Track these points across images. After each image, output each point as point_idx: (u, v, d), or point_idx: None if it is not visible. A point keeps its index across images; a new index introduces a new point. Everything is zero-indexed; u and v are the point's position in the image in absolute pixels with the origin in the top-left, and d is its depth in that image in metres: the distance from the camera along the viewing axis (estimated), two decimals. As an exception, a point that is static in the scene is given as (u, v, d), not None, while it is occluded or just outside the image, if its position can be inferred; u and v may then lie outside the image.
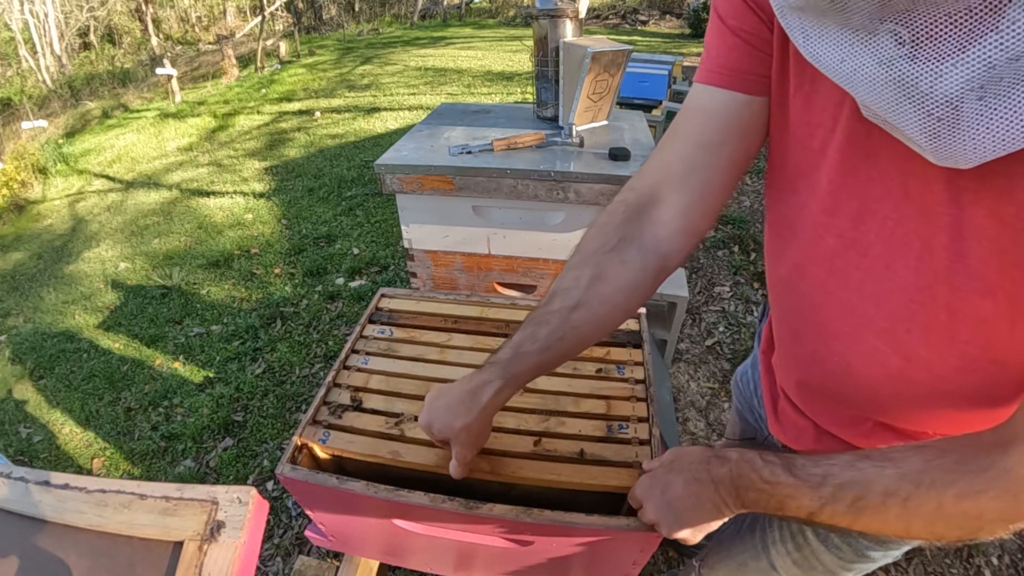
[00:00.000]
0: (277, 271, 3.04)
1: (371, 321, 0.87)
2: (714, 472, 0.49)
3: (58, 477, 0.58)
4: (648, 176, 0.57)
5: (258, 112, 6.68)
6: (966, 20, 0.28)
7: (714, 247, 2.90)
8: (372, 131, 5.40)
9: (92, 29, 15.15)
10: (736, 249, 2.88)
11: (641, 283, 0.55)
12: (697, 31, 10.24)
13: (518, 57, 8.57)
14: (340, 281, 2.86)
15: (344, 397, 0.72)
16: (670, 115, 3.54)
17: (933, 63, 0.30)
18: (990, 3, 0.27)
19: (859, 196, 0.45)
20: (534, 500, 0.58)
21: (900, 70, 0.31)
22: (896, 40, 0.31)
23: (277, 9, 14.06)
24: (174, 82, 8.02)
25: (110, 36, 15.87)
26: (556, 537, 0.60)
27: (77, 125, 8.16)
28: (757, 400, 0.83)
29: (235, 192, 4.29)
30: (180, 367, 2.38)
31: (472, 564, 0.76)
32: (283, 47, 10.60)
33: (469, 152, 1.36)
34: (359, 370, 0.77)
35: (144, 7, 12.94)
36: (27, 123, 7.45)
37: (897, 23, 0.30)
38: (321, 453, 0.67)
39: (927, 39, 0.30)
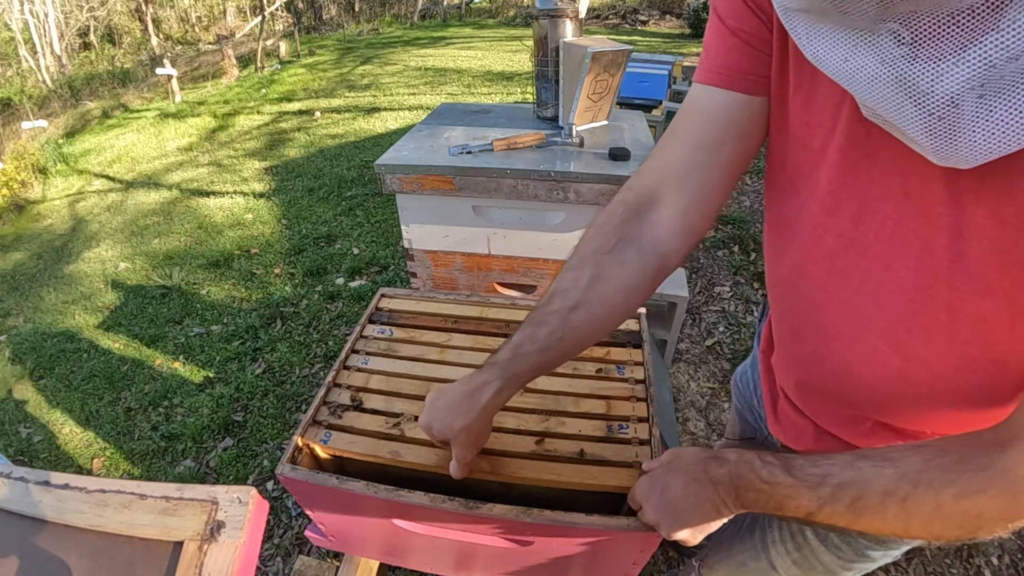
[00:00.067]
0: (277, 271, 3.04)
1: (371, 321, 0.87)
2: (713, 473, 0.49)
3: (58, 477, 0.58)
4: (647, 176, 0.57)
5: (258, 112, 6.68)
6: (967, 20, 0.28)
7: (714, 247, 2.90)
8: (372, 131, 5.40)
9: (92, 29, 15.15)
10: (736, 249, 2.88)
11: (640, 283, 0.55)
12: (697, 31, 10.24)
13: (518, 57, 8.57)
14: (340, 281, 2.86)
15: (344, 397, 0.72)
16: (670, 115, 3.54)
17: (933, 63, 0.30)
18: (991, 3, 0.27)
19: (859, 196, 0.45)
20: (534, 500, 0.58)
21: (901, 69, 0.31)
22: (896, 40, 0.31)
23: (277, 9, 14.07)
24: (174, 82, 8.02)
25: (110, 36, 15.88)
26: (556, 537, 0.60)
27: (77, 125, 8.16)
28: (757, 400, 0.83)
29: (235, 192, 4.29)
30: (180, 367, 2.38)
31: (472, 564, 0.76)
32: (283, 47, 10.60)
33: (469, 152, 1.36)
34: (359, 370, 0.77)
35: (144, 7, 12.94)
36: (27, 123, 7.45)
37: (898, 23, 0.30)
38: (321, 453, 0.67)
39: (928, 39, 0.30)
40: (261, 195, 4.15)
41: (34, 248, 4.19)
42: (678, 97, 4.13)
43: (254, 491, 0.55)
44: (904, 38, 0.30)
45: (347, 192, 3.95)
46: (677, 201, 0.54)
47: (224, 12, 17.49)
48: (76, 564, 0.53)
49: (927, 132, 0.33)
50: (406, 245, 1.48)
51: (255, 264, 3.15)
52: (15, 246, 4.34)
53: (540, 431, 0.67)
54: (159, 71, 8.01)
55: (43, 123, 7.77)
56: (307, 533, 0.79)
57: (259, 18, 10.98)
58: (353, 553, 0.85)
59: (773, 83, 0.50)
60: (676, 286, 1.69)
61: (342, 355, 0.79)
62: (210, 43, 14.19)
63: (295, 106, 6.76)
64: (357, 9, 17.45)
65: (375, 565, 0.87)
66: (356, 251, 3.13)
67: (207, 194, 4.35)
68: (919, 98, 0.32)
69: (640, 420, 0.69)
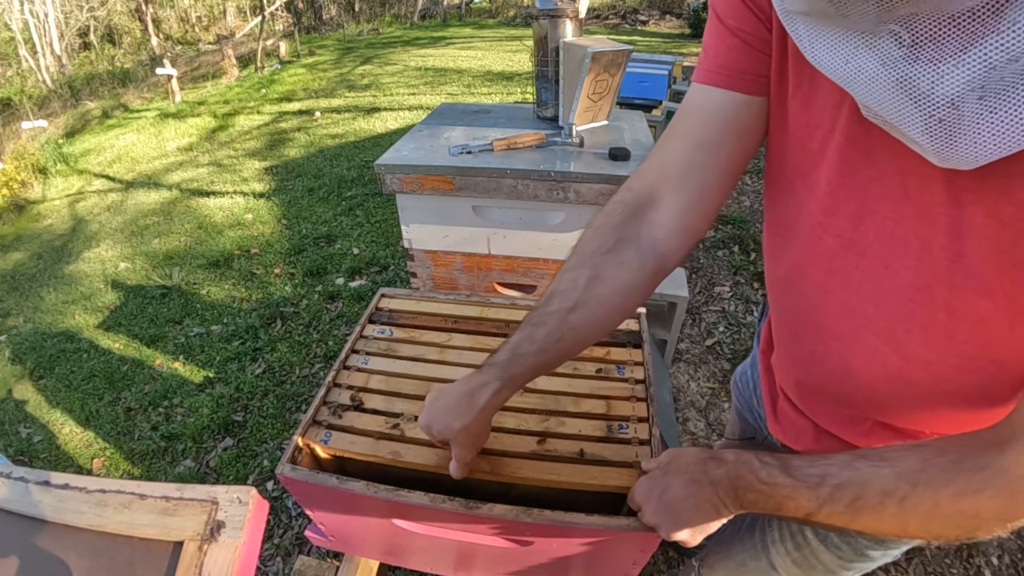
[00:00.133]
0: (277, 271, 3.04)
1: (371, 321, 0.87)
2: (712, 473, 0.49)
3: (58, 477, 0.58)
4: (646, 176, 0.57)
5: (258, 112, 6.68)
6: (967, 22, 0.28)
7: (714, 247, 2.90)
8: (372, 131, 5.40)
9: (92, 29, 15.15)
10: (736, 249, 2.88)
11: (639, 284, 0.55)
12: (697, 31, 10.24)
13: (518, 57, 8.57)
14: (340, 281, 2.86)
15: (344, 397, 0.72)
16: (670, 115, 3.54)
17: (933, 64, 0.30)
18: (991, 5, 0.27)
19: (858, 196, 0.45)
20: (534, 500, 0.58)
21: (901, 71, 0.31)
22: (897, 42, 0.31)
23: (277, 9, 14.07)
24: (174, 82, 8.02)
25: (110, 36, 15.87)
26: (556, 537, 0.60)
27: (77, 125, 8.16)
28: (756, 400, 0.83)
29: (235, 192, 4.29)
30: (180, 367, 2.38)
31: (472, 564, 0.76)
32: (283, 47, 10.60)
33: (469, 152, 1.36)
34: (359, 370, 0.77)
35: (144, 7, 12.94)
36: (27, 123, 7.45)
37: (898, 25, 0.30)
38: (322, 453, 0.67)
39: (928, 41, 0.30)
40: (261, 195, 4.15)
41: (34, 248, 4.19)
42: (678, 97, 4.13)
43: (254, 491, 0.55)
44: (904, 40, 0.30)
45: (347, 192, 3.95)
46: (676, 201, 0.54)
47: (224, 12, 17.49)
48: (76, 564, 0.53)
49: (927, 133, 0.33)
50: (406, 245, 1.48)
51: (255, 264, 3.15)
52: (15, 246, 4.34)
53: (540, 431, 0.67)
54: (159, 71, 8.01)
55: (43, 123, 7.77)
56: (307, 533, 0.79)
57: (259, 18, 10.98)
58: (353, 553, 0.85)
59: (772, 83, 0.50)
60: (676, 286, 1.69)
61: (342, 355, 0.79)
62: (210, 43, 14.19)
63: (295, 106, 6.76)
64: (357, 9, 17.45)
65: (375, 565, 0.88)
66: (356, 251, 3.13)
67: (207, 194, 4.35)
68: (919, 99, 0.32)
69: (640, 420, 0.69)
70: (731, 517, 0.51)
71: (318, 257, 3.10)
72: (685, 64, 4.64)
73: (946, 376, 0.45)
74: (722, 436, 1.71)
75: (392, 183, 1.35)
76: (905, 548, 0.67)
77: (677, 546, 1.47)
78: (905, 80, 0.31)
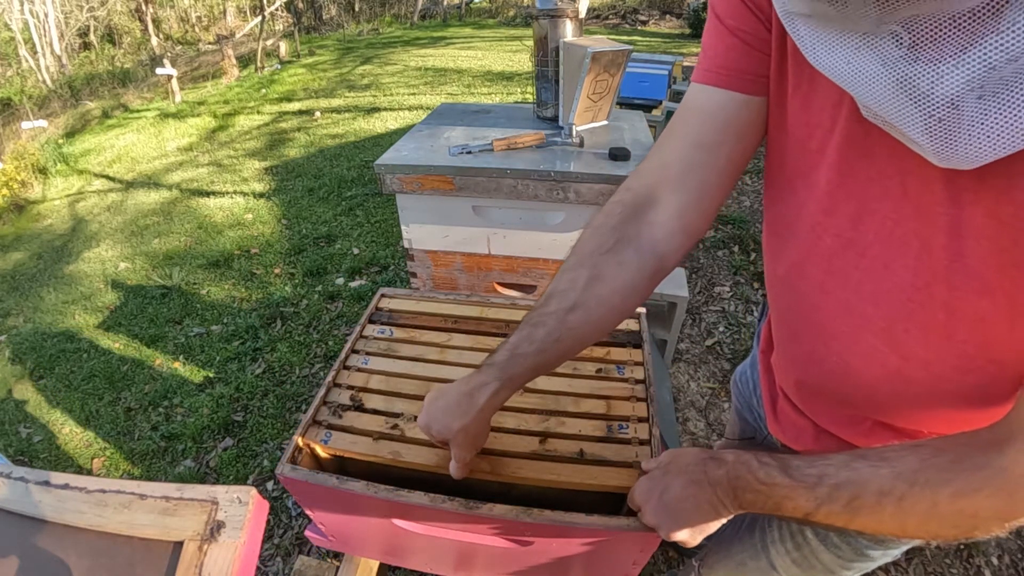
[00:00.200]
0: (277, 271, 3.04)
1: (371, 321, 0.87)
2: (711, 474, 0.49)
3: (58, 477, 0.58)
4: (645, 176, 0.57)
5: (258, 112, 6.68)
6: (968, 23, 0.28)
7: (714, 247, 2.90)
8: (372, 131, 5.40)
9: (92, 29, 15.15)
10: (736, 249, 2.88)
11: (638, 284, 0.55)
12: (697, 31, 10.24)
13: (518, 57, 8.57)
14: (340, 281, 2.86)
15: (344, 397, 0.72)
16: (670, 115, 3.53)
17: (933, 64, 0.30)
18: (992, 5, 0.27)
19: (857, 196, 0.45)
20: (534, 500, 0.58)
21: (901, 71, 0.31)
22: (896, 42, 0.31)
23: (277, 9, 14.06)
24: (174, 82, 8.02)
25: (110, 36, 15.87)
26: (556, 537, 0.60)
27: (77, 125, 8.16)
28: (756, 400, 0.83)
29: (235, 192, 4.29)
30: (180, 367, 2.38)
31: (472, 564, 0.76)
32: (283, 47, 10.60)
33: (469, 152, 1.36)
34: (359, 370, 0.77)
35: (144, 7, 12.94)
36: (27, 123, 7.45)
37: (899, 25, 0.30)
38: (322, 453, 0.67)
39: (928, 41, 0.30)
40: (261, 195, 4.15)
41: (34, 248, 4.19)
42: (678, 97, 4.13)
43: (254, 491, 0.55)
44: (904, 40, 0.30)
45: (347, 192, 3.95)
46: (675, 201, 0.54)
47: (224, 12, 17.49)
48: (76, 564, 0.53)
49: (927, 133, 0.33)
50: (406, 245, 1.48)
51: (255, 264, 3.15)
52: (15, 246, 4.34)
53: (540, 431, 0.67)
54: (159, 71, 8.01)
55: (43, 123, 7.77)
56: (307, 533, 0.79)
57: (259, 18, 10.98)
58: (353, 553, 0.85)
59: (772, 83, 0.50)
60: (676, 286, 1.69)
61: (342, 355, 0.79)
62: (210, 43, 14.19)
63: (295, 106, 6.76)
64: (357, 9, 17.45)
65: (375, 565, 0.88)
66: (356, 251, 3.13)
67: (207, 194, 4.35)
68: (919, 99, 0.32)
69: (640, 420, 0.69)
70: (731, 517, 0.51)
71: (318, 257, 3.10)
72: (685, 64, 4.64)
73: (945, 376, 0.45)
74: (722, 436, 1.71)
75: (392, 183, 1.35)
76: (905, 548, 0.67)
77: (677, 546, 1.47)
78: (905, 80, 0.32)
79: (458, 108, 1.83)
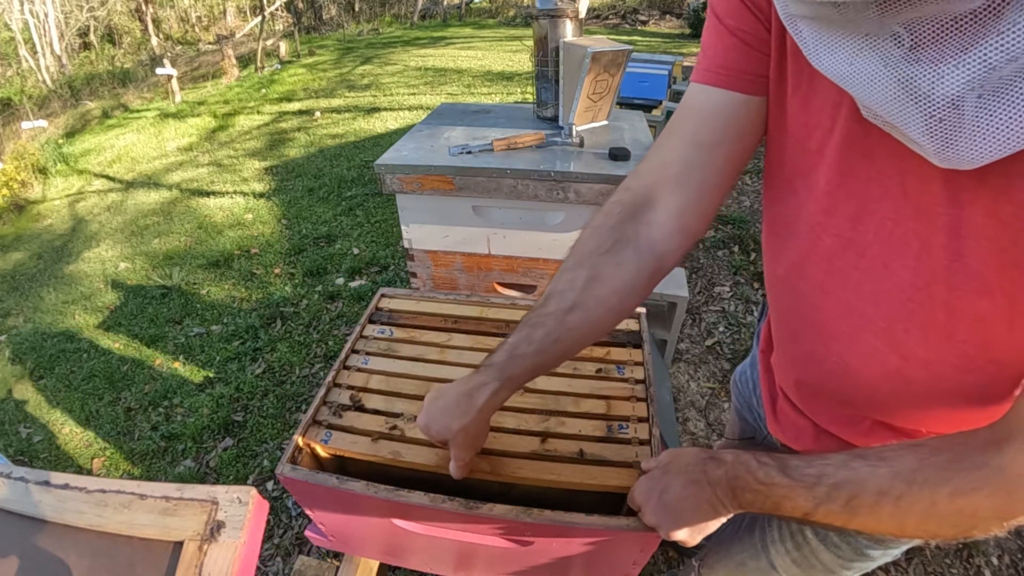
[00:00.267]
0: (277, 271, 3.04)
1: (371, 321, 0.87)
2: (711, 474, 0.49)
3: (58, 477, 0.58)
4: (644, 176, 0.57)
5: (258, 112, 6.68)
6: (968, 23, 0.28)
7: (714, 247, 2.90)
8: (372, 131, 5.40)
9: (92, 29, 15.14)
10: (736, 249, 2.88)
11: (637, 284, 0.55)
12: (697, 31, 10.23)
13: (518, 57, 8.57)
14: (340, 281, 2.86)
15: (344, 397, 0.72)
16: (670, 115, 3.52)
17: (934, 64, 0.30)
18: (992, 6, 0.27)
19: (857, 196, 0.45)
20: (534, 500, 0.58)
21: (902, 71, 0.31)
22: (897, 43, 0.31)
23: (277, 9, 14.06)
24: (174, 82, 8.02)
25: (110, 36, 15.87)
26: (556, 537, 0.60)
27: (77, 125, 8.16)
28: (756, 399, 0.83)
29: (235, 192, 4.29)
30: (180, 367, 2.38)
31: (472, 564, 0.76)
32: (283, 47, 10.60)
33: (469, 152, 1.36)
34: (359, 370, 0.77)
35: (144, 7, 12.94)
36: (27, 123, 7.45)
37: (900, 26, 0.30)
38: (322, 453, 0.67)
39: (929, 42, 0.30)
40: (261, 195, 4.15)
41: (34, 248, 4.19)
42: (678, 97, 4.13)
43: (254, 491, 0.55)
44: (905, 41, 0.31)
45: (347, 192, 3.95)
46: (674, 201, 0.54)
47: (224, 12, 17.49)
48: (76, 564, 0.53)
49: (928, 133, 0.33)
50: (406, 245, 1.48)
51: (255, 264, 3.15)
52: (15, 246, 4.34)
53: (540, 431, 0.67)
54: (159, 71, 8.01)
55: (43, 123, 7.77)
56: (307, 533, 0.79)
57: (259, 18, 10.98)
58: (353, 553, 0.85)
59: (771, 83, 0.50)
60: (676, 286, 1.69)
61: (342, 355, 0.79)
62: (210, 43, 14.19)
63: (295, 106, 6.76)
64: (357, 9, 17.45)
65: (375, 565, 0.88)
66: (356, 251, 3.13)
67: (207, 194, 4.35)
68: (920, 100, 0.32)
69: (640, 420, 0.69)
70: (730, 517, 0.51)
71: (318, 257, 3.10)
72: (685, 64, 4.64)
73: (945, 375, 0.45)
74: (722, 436, 1.71)
75: (392, 183, 1.35)
76: (905, 547, 0.67)
77: (677, 546, 1.48)
78: (906, 80, 0.32)
79: (458, 108, 1.83)
